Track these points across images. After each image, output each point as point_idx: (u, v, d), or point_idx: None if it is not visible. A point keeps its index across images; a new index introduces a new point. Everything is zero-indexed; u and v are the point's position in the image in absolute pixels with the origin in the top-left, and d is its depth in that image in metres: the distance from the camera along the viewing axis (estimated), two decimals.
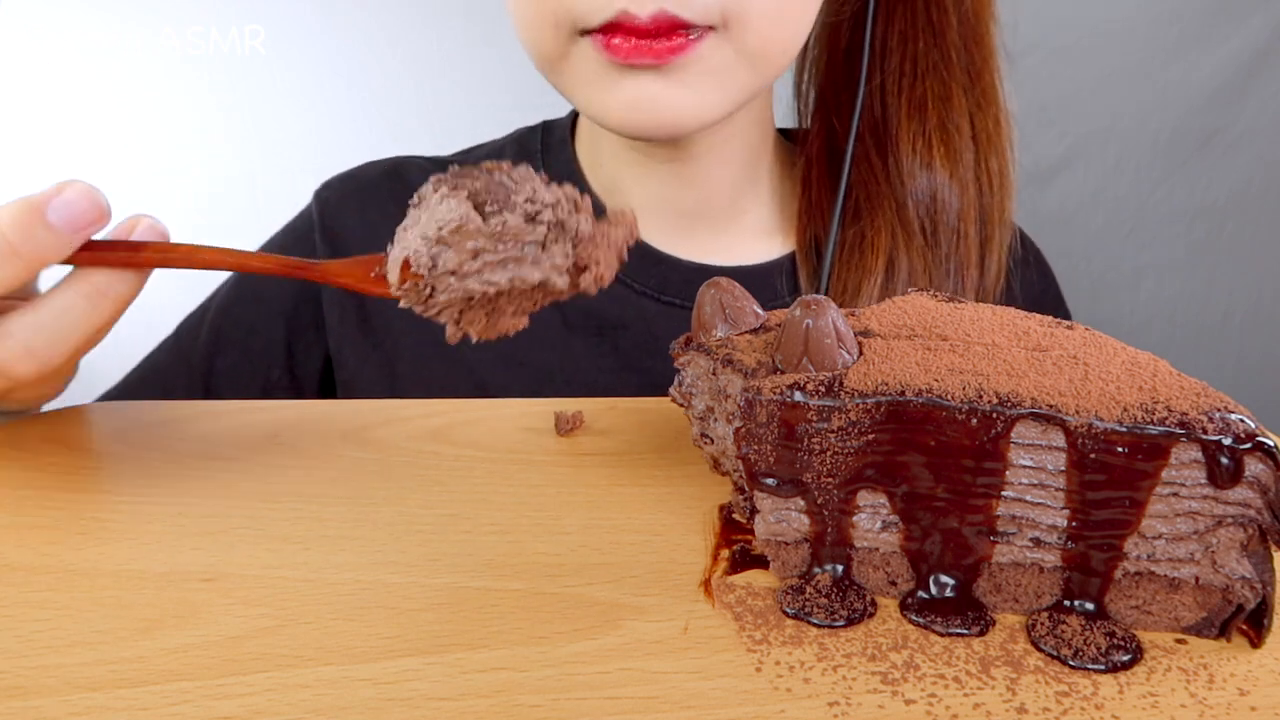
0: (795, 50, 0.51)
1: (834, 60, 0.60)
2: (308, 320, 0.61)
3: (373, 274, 0.35)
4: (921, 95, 0.57)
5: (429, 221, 0.32)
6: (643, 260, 0.58)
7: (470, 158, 0.65)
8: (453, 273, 0.32)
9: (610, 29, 0.45)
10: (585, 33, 0.46)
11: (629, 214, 0.35)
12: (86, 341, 0.35)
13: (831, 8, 0.59)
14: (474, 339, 0.34)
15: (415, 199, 0.33)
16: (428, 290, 0.32)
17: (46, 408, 0.45)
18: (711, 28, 0.45)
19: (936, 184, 0.57)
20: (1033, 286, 0.64)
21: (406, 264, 0.32)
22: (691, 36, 0.45)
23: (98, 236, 0.34)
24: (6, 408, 0.43)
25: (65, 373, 0.41)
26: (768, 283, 0.59)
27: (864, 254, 0.56)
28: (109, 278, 0.34)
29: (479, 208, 0.32)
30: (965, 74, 0.57)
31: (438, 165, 0.64)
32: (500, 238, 0.32)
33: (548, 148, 0.62)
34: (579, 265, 0.33)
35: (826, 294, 0.56)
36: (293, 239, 0.62)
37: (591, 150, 0.61)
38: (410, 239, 0.32)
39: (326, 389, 0.62)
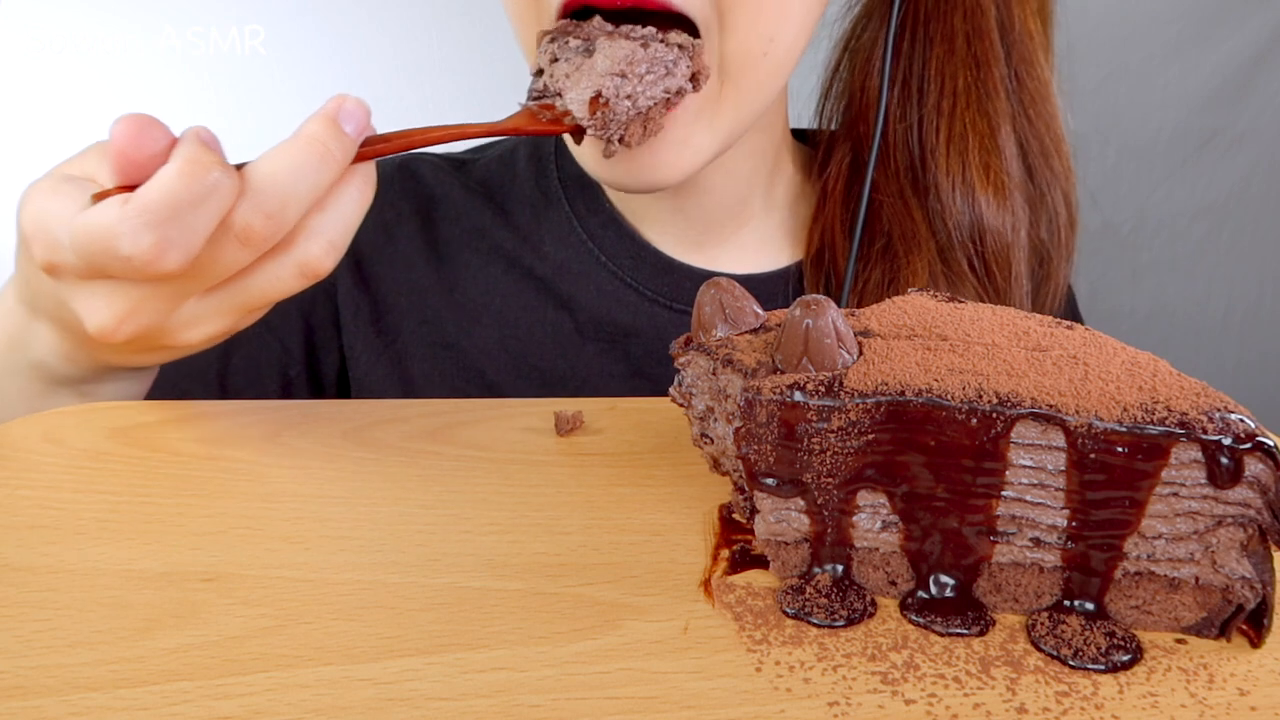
0: (781, 65, 0.49)
1: (866, 92, 0.58)
2: (327, 316, 0.60)
3: (541, 121, 0.42)
4: (963, 131, 0.55)
5: (607, 61, 0.41)
6: (654, 268, 0.58)
7: (481, 158, 0.65)
8: (628, 96, 0.41)
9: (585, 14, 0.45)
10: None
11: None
12: None
13: (868, 32, 0.58)
14: (631, 147, 0.43)
15: (545, 63, 0.43)
16: (611, 115, 0.41)
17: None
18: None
19: (985, 219, 0.55)
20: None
21: (596, 98, 0.40)
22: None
23: None
24: (170, 356, 0.43)
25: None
26: (778, 290, 0.58)
27: (895, 294, 0.55)
28: (370, 167, 0.38)
29: (634, 39, 0.42)
30: (1018, 105, 0.55)
31: (448, 163, 0.64)
32: (655, 61, 0.41)
33: (561, 152, 0.62)
34: (695, 72, 0.43)
35: None
36: None
37: None
38: (596, 75, 0.41)
39: (345, 386, 0.62)
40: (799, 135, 0.64)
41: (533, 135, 0.42)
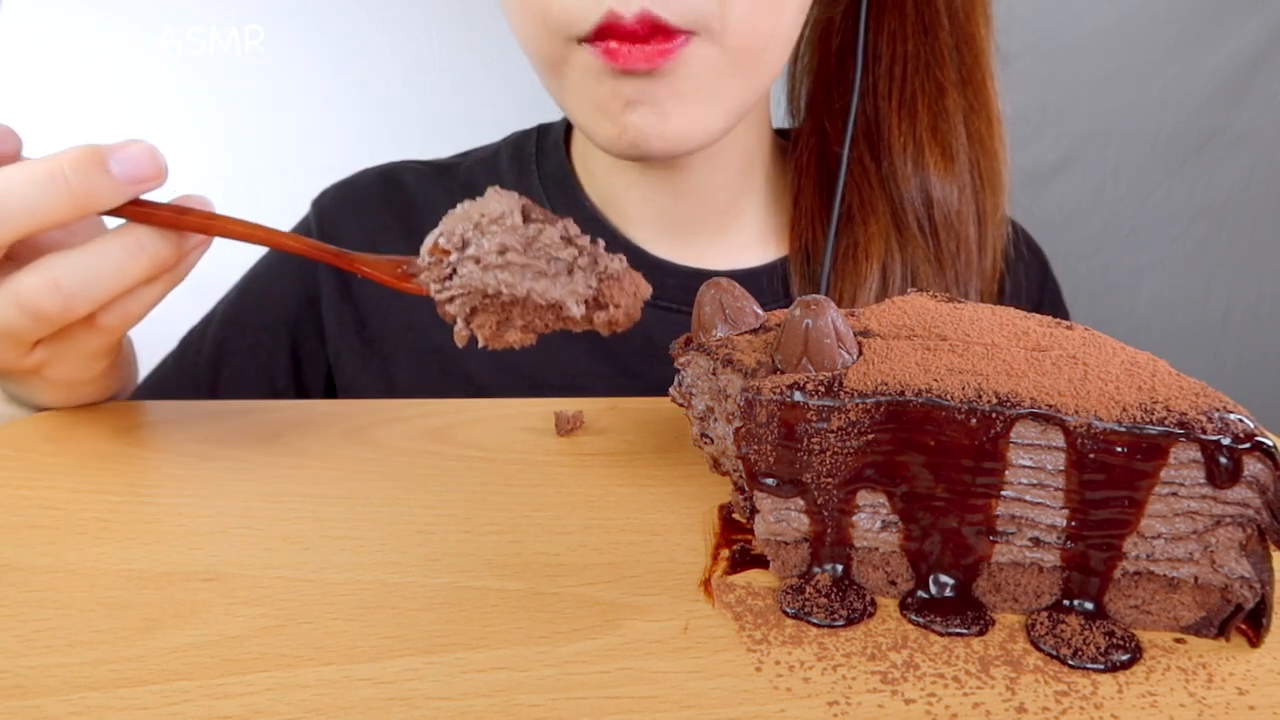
0: (783, 50, 0.50)
1: (825, 62, 0.60)
2: (311, 328, 0.61)
3: (399, 270, 0.36)
4: (913, 96, 0.56)
5: (475, 208, 0.33)
6: (638, 266, 0.58)
7: (466, 160, 0.65)
8: (477, 260, 0.33)
9: (603, 33, 0.45)
10: (580, 40, 0.46)
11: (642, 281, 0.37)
12: (115, 296, 0.35)
13: (821, 7, 0.59)
14: (480, 343, 0.35)
15: (478, 199, 0.35)
16: (449, 270, 0.33)
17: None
18: (694, 33, 0.45)
19: (932, 184, 0.56)
20: (1032, 286, 0.64)
21: (437, 243, 0.34)
22: (677, 41, 0.45)
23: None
24: (43, 397, 0.43)
25: (104, 362, 0.41)
26: (762, 286, 0.59)
27: (857, 261, 0.56)
28: (150, 234, 0.35)
29: (525, 214, 0.33)
30: (957, 74, 0.57)
31: (432, 169, 0.64)
32: (531, 243, 0.33)
33: (542, 151, 0.62)
34: (599, 301, 0.35)
35: None
36: None
37: (586, 156, 0.60)
38: (453, 219, 0.34)
39: (332, 396, 0.62)
40: (782, 135, 0.65)
41: (379, 282, 0.36)
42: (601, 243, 0.35)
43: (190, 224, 0.35)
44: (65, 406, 0.44)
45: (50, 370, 0.39)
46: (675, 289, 0.57)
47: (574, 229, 0.34)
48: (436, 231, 0.34)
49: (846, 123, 0.56)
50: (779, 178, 0.62)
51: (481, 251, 0.33)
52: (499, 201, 0.33)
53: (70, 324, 0.36)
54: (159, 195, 0.36)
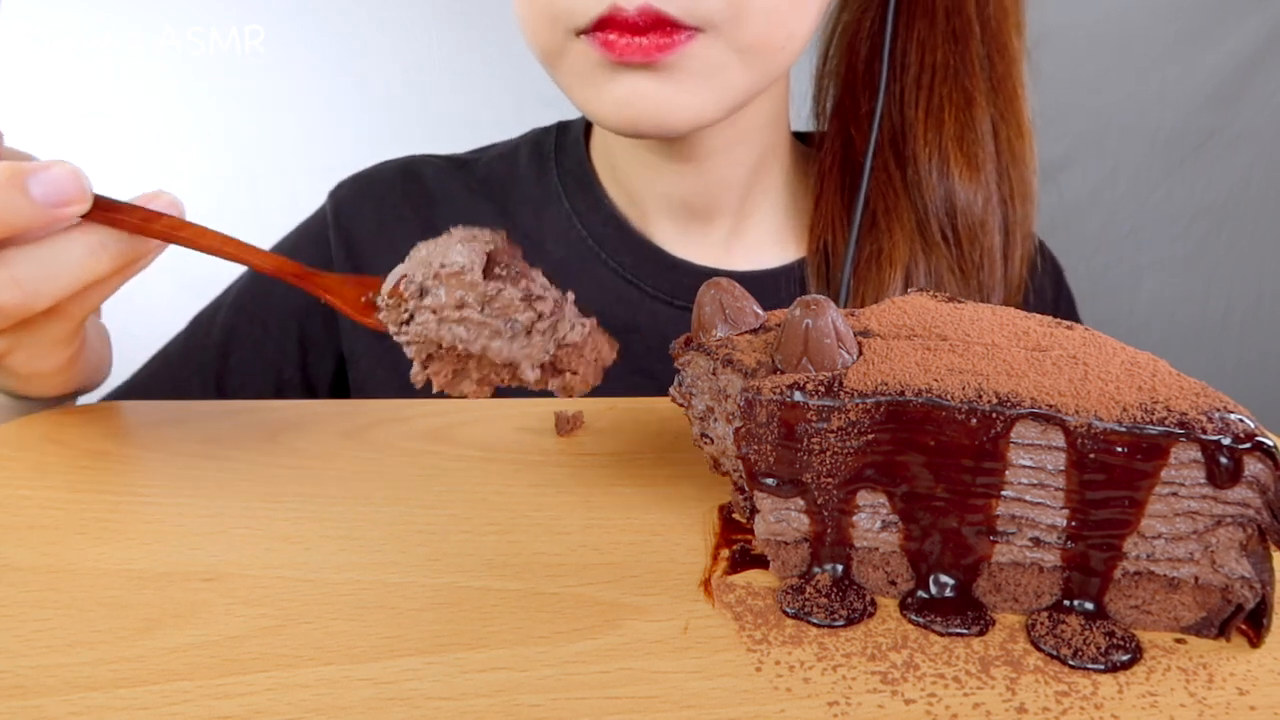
0: (796, 46, 0.50)
1: (852, 68, 0.59)
2: (321, 319, 0.61)
3: (363, 299, 0.36)
4: (939, 105, 0.56)
5: (439, 255, 0.33)
6: (656, 265, 0.58)
7: (484, 156, 0.65)
8: (433, 310, 0.32)
9: (603, 25, 0.45)
10: (581, 32, 0.46)
11: (611, 342, 0.36)
12: (75, 292, 0.35)
13: (849, 11, 0.59)
14: (435, 389, 0.35)
15: (449, 232, 0.34)
16: (406, 315, 0.33)
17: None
18: (700, 30, 0.45)
19: (956, 193, 0.56)
20: (1046, 293, 0.64)
21: (398, 284, 0.33)
22: (681, 37, 0.45)
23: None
24: (7, 385, 0.42)
25: (65, 352, 0.41)
26: (779, 287, 0.59)
27: (880, 267, 0.56)
28: (114, 235, 0.35)
29: (490, 267, 0.33)
30: (988, 83, 0.56)
31: (451, 163, 0.64)
32: (489, 302, 0.32)
33: (561, 148, 0.62)
34: (556, 367, 0.34)
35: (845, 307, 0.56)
36: (307, 238, 0.63)
37: (605, 152, 0.60)
38: (415, 261, 0.33)
39: (339, 389, 0.62)
40: (801, 138, 0.65)
41: (341, 312, 0.36)
42: (570, 299, 0.34)
43: (156, 231, 0.35)
44: (34, 397, 0.44)
45: (11, 359, 0.39)
46: (691, 288, 0.57)
47: (539, 285, 0.34)
48: (398, 272, 0.34)
49: (871, 129, 0.56)
50: (799, 180, 0.62)
51: (438, 303, 0.32)
52: (461, 252, 0.32)
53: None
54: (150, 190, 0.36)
